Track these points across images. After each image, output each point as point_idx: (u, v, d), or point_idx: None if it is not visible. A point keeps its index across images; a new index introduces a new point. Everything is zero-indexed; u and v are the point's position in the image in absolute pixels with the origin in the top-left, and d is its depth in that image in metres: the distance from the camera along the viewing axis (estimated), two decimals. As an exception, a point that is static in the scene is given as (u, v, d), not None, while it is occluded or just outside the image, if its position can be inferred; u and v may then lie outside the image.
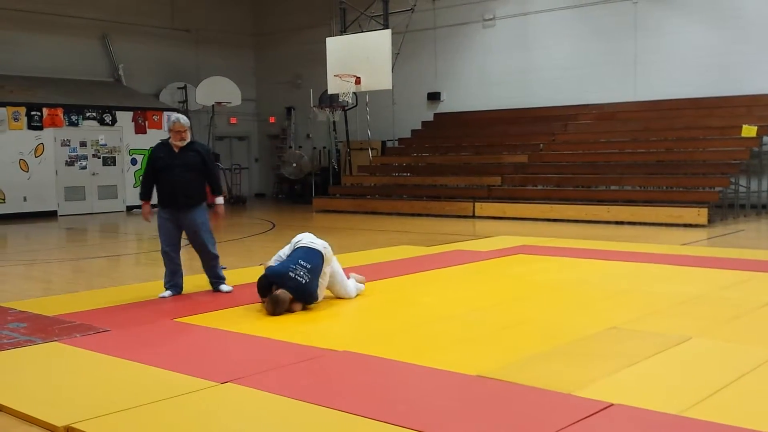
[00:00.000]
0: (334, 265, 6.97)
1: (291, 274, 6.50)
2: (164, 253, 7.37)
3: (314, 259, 6.70)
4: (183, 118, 7.39)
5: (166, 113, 7.69)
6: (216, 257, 7.53)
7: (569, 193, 16.06)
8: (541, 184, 16.87)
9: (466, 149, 19.38)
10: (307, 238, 6.98)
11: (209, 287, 7.87)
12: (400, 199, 18.13)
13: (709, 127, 16.24)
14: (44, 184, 18.51)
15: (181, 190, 7.27)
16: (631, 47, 17.87)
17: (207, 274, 7.60)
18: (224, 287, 7.56)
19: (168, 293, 7.35)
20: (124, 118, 20.02)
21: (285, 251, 7.04)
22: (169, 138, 7.39)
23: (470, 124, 20.21)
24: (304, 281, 6.51)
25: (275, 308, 6.43)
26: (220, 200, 7.70)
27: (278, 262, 6.88)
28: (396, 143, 21.67)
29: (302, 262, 6.59)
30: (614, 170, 16.20)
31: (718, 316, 6.15)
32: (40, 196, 18.43)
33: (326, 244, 6.93)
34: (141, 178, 7.57)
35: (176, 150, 7.32)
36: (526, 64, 19.46)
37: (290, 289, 6.46)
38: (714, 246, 11.05)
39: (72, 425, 3.93)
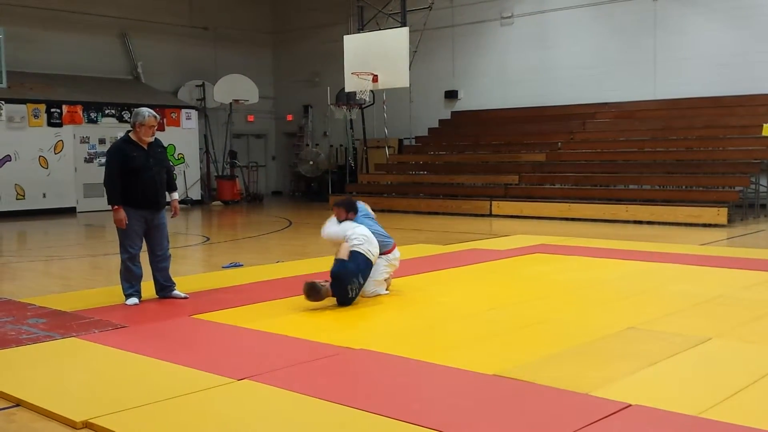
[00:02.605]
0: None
1: (348, 288, 6.61)
2: (132, 258, 6.92)
3: (369, 273, 6.85)
4: (154, 112, 7.00)
5: (134, 110, 7.16)
6: (170, 258, 7.26)
7: (587, 192, 15.96)
8: (559, 183, 16.79)
9: (484, 148, 19.32)
10: (373, 246, 6.90)
11: (228, 284, 7.87)
12: (417, 197, 18.11)
13: (730, 126, 16.10)
14: (63, 181, 18.64)
15: (160, 189, 7.00)
16: (650, 45, 17.74)
17: (158, 277, 7.14)
18: (179, 293, 7.19)
19: (136, 300, 6.96)
20: (143, 115, 20.09)
21: (350, 231, 6.93)
22: (130, 133, 6.93)
23: (488, 123, 20.14)
24: (350, 295, 6.66)
25: (309, 296, 6.54)
26: (176, 196, 7.31)
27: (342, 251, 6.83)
28: (413, 141, 21.64)
29: (360, 279, 6.70)
30: (633, 169, 16.09)
31: (737, 317, 6.10)
32: (59, 192, 18.56)
33: (376, 254, 6.95)
34: (106, 177, 6.87)
35: (145, 147, 6.92)
36: (544, 62, 19.37)
37: (337, 298, 6.63)
38: (734, 246, 10.95)
39: (90, 420, 3.95)
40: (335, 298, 6.65)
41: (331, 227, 7.17)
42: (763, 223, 14.06)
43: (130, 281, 7.00)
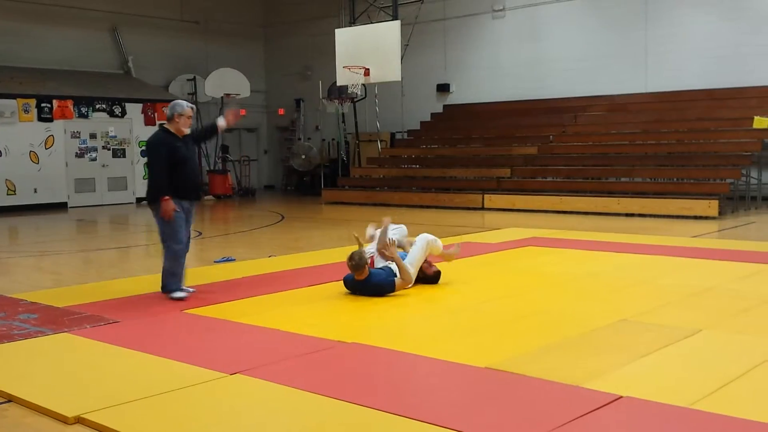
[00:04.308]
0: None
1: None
2: (179, 250, 6.87)
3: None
4: (190, 103, 7.09)
5: (171, 102, 7.15)
6: None
7: (579, 185, 16.00)
8: (551, 176, 16.82)
9: (476, 141, 19.33)
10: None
11: (220, 279, 7.85)
12: (409, 191, 18.12)
13: (721, 119, 16.15)
14: (54, 176, 18.58)
15: (199, 180, 7.11)
16: (642, 38, 17.76)
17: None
18: (186, 288, 7.09)
19: (183, 294, 6.85)
20: (134, 109, 20.07)
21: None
22: (166, 125, 7.00)
23: (480, 116, 20.15)
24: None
25: (352, 260, 6.69)
26: None
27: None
28: (405, 135, 21.63)
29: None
30: (625, 162, 16.13)
31: (728, 309, 6.13)
32: (50, 187, 18.50)
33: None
34: (155, 170, 6.81)
35: (182, 138, 6.98)
36: (536, 55, 19.37)
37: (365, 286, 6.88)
38: (725, 238, 10.99)
39: (82, 415, 3.95)
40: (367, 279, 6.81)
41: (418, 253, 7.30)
42: (753, 215, 14.12)
43: (178, 275, 6.91)
